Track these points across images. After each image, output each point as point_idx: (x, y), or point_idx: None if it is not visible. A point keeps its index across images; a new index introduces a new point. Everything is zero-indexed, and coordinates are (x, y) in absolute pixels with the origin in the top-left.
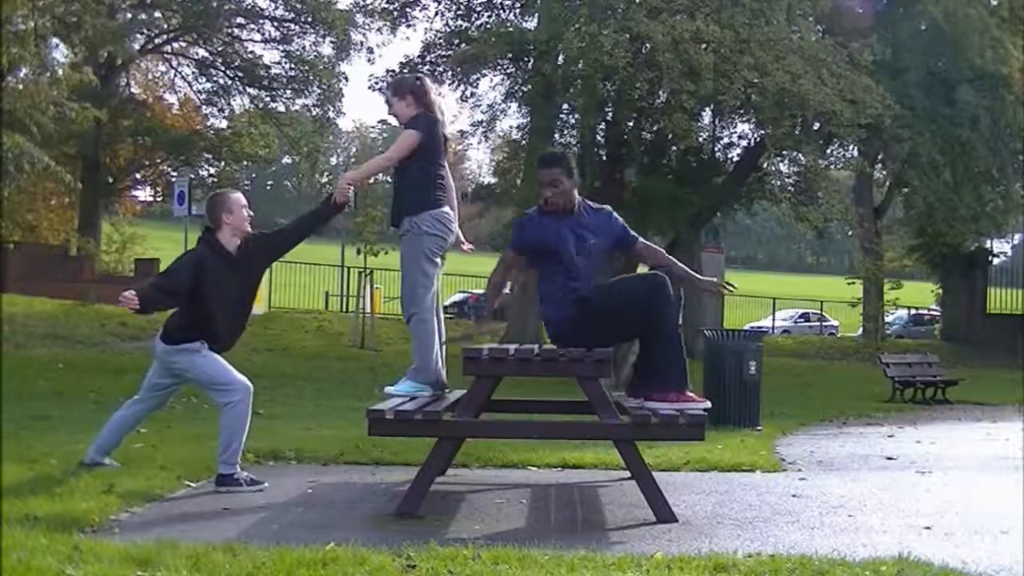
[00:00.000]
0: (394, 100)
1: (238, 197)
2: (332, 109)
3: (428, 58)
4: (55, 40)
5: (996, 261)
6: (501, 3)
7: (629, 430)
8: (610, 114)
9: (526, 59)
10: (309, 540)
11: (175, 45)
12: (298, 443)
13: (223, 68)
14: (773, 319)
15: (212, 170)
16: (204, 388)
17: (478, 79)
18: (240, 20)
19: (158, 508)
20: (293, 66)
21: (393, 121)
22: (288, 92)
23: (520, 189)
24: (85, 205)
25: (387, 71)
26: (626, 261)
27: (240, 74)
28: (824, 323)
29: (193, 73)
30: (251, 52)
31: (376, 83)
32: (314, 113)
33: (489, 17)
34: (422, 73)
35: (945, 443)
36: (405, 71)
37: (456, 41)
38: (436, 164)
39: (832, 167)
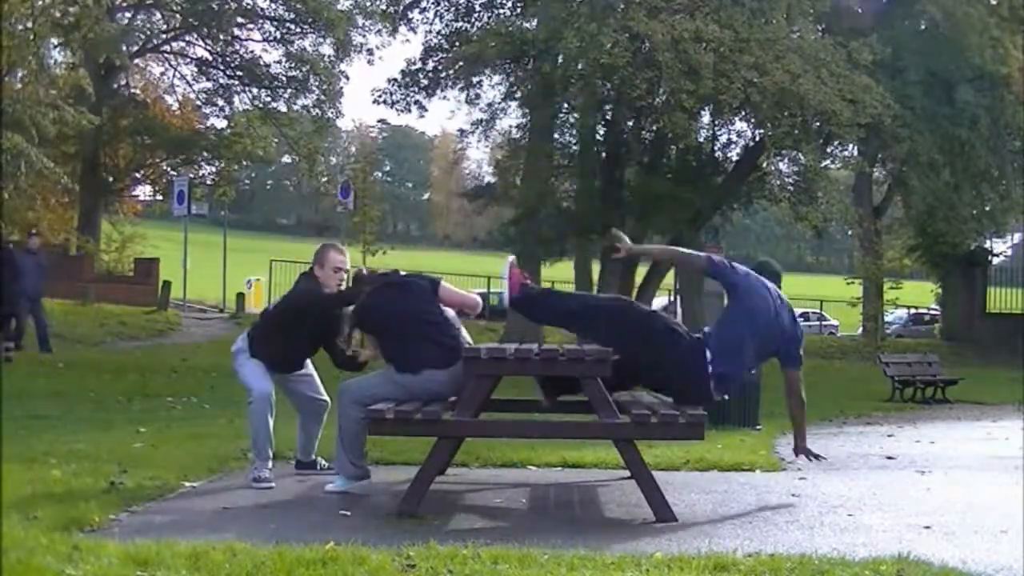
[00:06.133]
0: None
1: (339, 257)
2: (332, 109)
3: (429, 62)
4: (53, 41)
5: (996, 261)
6: (501, 3)
7: (629, 430)
8: (609, 113)
9: (526, 59)
10: (309, 540)
11: (175, 45)
12: None
13: (223, 68)
14: None
15: (212, 169)
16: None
17: (479, 79)
18: (240, 20)
19: (158, 508)
20: (293, 66)
21: (394, 121)
22: (288, 92)
23: (519, 188)
24: (85, 205)
25: (389, 80)
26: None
27: (240, 74)
28: (824, 323)
29: (193, 73)
30: (251, 52)
31: (379, 95)
32: (314, 113)
33: (489, 17)
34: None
35: (945, 443)
36: (406, 77)
37: (456, 42)
38: None
39: (832, 167)
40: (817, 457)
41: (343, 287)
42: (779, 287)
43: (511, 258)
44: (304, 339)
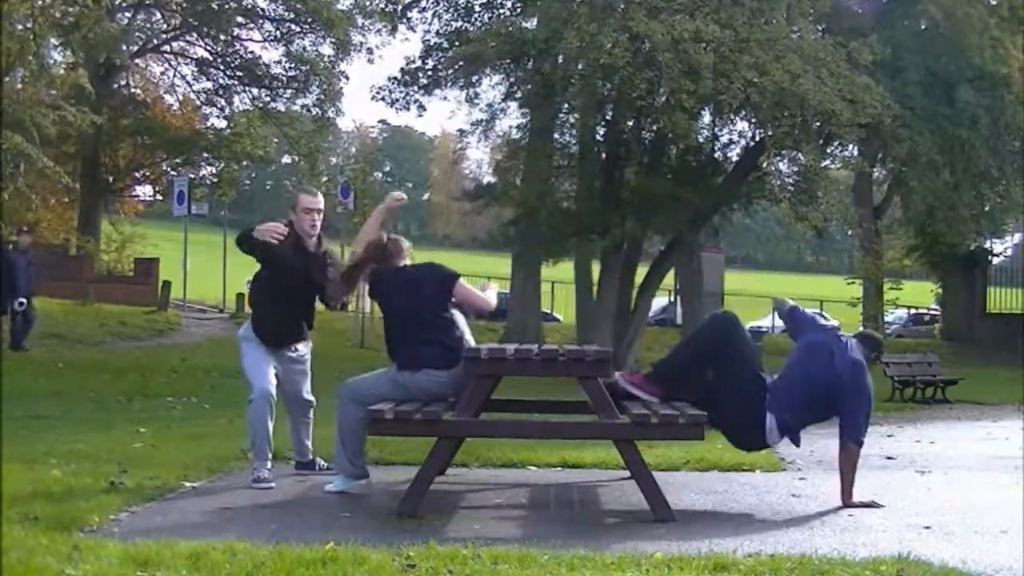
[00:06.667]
0: None
1: (309, 198)
2: (332, 108)
3: (428, 62)
4: (53, 41)
5: (996, 261)
6: (501, 3)
7: (629, 430)
8: (609, 113)
9: (526, 59)
10: (309, 540)
11: (175, 45)
12: None
13: (223, 68)
14: (773, 319)
15: (212, 170)
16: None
17: (478, 79)
18: (240, 20)
19: (158, 508)
20: (293, 66)
21: (393, 120)
22: (288, 92)
23: (519, 188)
24: (85, 205)
25: (389, 78)
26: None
27: (240, 74)
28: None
29: (193, 73)
30: (251, 52)
31: (378, 93)
32: (314, 113)
33: (489, 17)
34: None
35: (945, 443)
36: (406, 76)
37: (456, 42)
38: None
39: (832, 167)
40: (872, 504)
41: (316, 227)
42: (878, 356)
43: (618, 376)
44: (287, 288)
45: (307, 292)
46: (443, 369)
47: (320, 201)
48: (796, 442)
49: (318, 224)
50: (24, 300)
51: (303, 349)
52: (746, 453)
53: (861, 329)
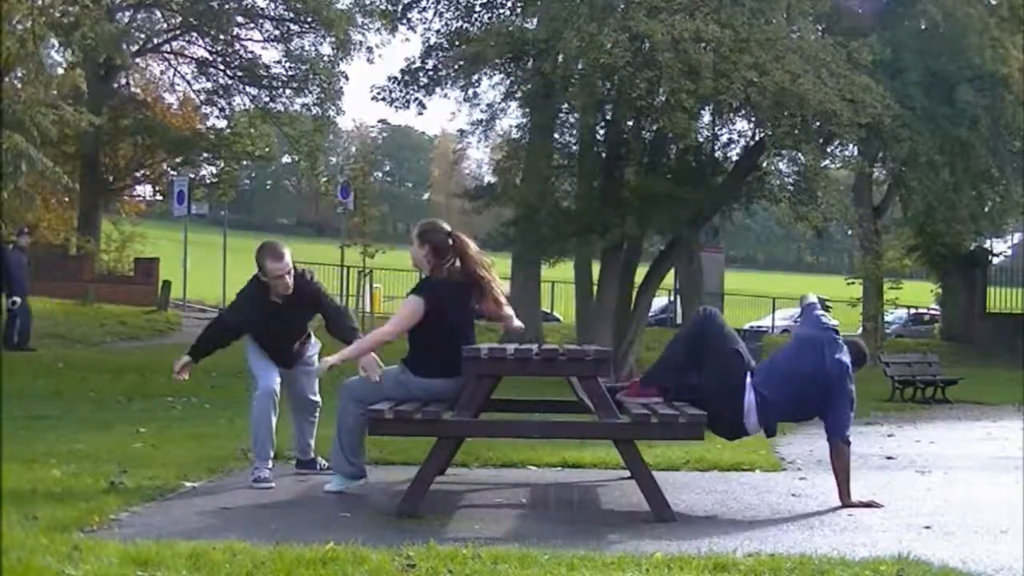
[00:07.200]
0: (415, 242)
1: (276, 266)
2: (332, 109)
3: (428, 62)
4: (53, 41)
5: (996, 261)
6: (501, 3)
7: (629, 430)
8: (609, 113)
9: (526, 59)
10: (309, 540)
11: (175, 45)
12: None
13: (223, 68)
14: (773, 318)
15: (212, 169)
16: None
17: (478, 78)
18: (240, 20)
19: (158, 508)
20: (293, 66)
21: (393, 120)
22: (288, 92)
23: (519, 188)
24: (85, 205)
25: (389, 77)
26: None
27: (240, 74)
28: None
29: (193, 73)
30: (251, 52)
31: (378, 92)
32: (314, 113)
33: (489, 17)
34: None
35: (945, 443)
36: (406, 76)
37: (456, 42)
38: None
39: (832, 167)
40: (871, 504)
41: (290, 286)
42: (860, 363)
43: (620, 397)
44: (274, 333)
45: (299, 327)
46: (453, 376)
47: (287, 263)
48: (770, 431)
49: (291, 282)
50: (18, 299)
51: (311, 351)
52: (730, 443)
53: (852, 339)
